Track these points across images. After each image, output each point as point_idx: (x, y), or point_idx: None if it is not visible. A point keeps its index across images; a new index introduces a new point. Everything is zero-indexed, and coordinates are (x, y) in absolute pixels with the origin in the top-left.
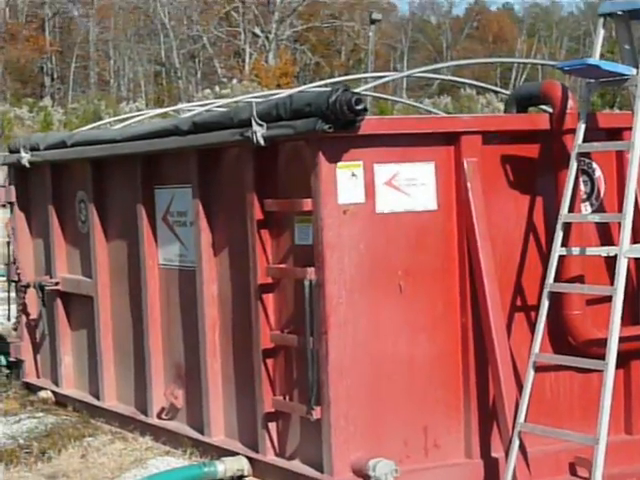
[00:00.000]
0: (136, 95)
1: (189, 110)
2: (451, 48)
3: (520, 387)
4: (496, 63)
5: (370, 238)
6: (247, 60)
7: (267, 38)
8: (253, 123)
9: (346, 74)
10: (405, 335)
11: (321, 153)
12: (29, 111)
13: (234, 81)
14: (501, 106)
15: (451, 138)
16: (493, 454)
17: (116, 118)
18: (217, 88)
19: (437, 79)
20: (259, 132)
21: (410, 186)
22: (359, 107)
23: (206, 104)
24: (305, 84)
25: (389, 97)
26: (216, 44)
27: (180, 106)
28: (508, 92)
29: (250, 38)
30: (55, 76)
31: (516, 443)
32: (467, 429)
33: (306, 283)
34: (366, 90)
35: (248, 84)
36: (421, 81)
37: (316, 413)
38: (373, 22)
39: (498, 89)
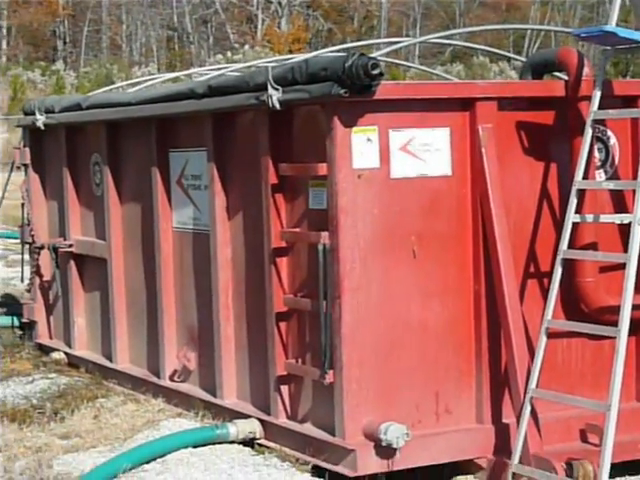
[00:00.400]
0: (148, 60)
1: (201, 75)
2: (464, 16)
3: (532, 353)
4: (510, 30)
5: (384, 203)
6: (259, 26)
7: (280, 4)
8: (269, 87)
9: (358, 40)
10: (418, 300)
11: (336, 117)
12: (41, 75)
13: (246, 47)
14: (514, 74)
15: (466, 104)
16: (504, 420)
17: (128, 82)
18: (229, 54)
19: (451, 45)
20: (275, 96)
21: (425, 151)
22: (375, 72)
23: (219, 69)
24: (317, 50)
25: (403, 62)
26: (228, 9)
27: (192, 70)
28: (523, 59)
29: (263, 4)
30: (67, 40)
31: (527, 409)
32: (478, 395)
33: (320, 247)
34: (380, 56)
35: (260, 50)
36: (433, 48)
37: (329, 377)
38: None
39: (513, 55)
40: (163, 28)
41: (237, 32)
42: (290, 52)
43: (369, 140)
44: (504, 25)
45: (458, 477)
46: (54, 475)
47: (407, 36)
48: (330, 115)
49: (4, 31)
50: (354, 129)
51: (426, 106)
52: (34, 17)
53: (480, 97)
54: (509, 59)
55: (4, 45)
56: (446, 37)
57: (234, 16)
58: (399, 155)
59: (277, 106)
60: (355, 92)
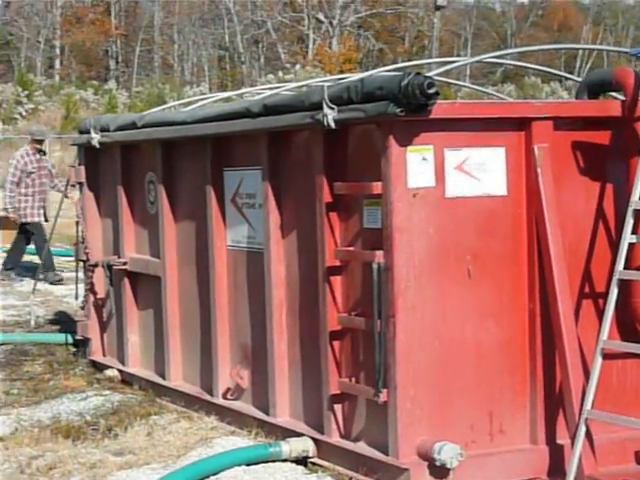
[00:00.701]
0: (200, 79)
1: (253, 94)
2: (515, 36)
3: (587, 374)
4: (562, 50)
5: (439, 222)
6: (310, 46)
7: (331, 24)
8: (324, 106)
9: (409, 60)
10: (473, 320)
11: (392, 136)
12: (94, 94)
13: (297, 67)
14: (566, 95)
15: (522, 123)
16: (558, 441)
17: (180, 102)
18: (280, 73)
19: (504, 65)
20: (330, 115)
21: (480, 171)
22: (431, 91)
23: (271, 88)
24: (368, 70)
25: (457, 82)
26: (280, 29)
27: (244, 90)
28: (577, 78)
29: (314, 24)
30: (120, 59)
31: (582, 430)
32: (533, 415)
33: (374, 266)
34: (433, 76)
35: (311, 70)
36: (484, 69)
37: (383, 396)
38: (438, 8)
39: (567, 75)
40: (215, 48)
41: (288, 52)
42: (341, 72)
43: (424, 159)
44: (557, 45)
45: None
46: None
47: (458, 56)
48: (386, 134)
49: (57, 50)
50: (409, 148)
51: (482, 125)
52: (87, 37)
53: (536, 117)
54: (561, 80)
55: (57, 64)
56: (499, 57)
57: (285, 36)
58: (454, 174)
59: (332, 125)
60: (411, 111)
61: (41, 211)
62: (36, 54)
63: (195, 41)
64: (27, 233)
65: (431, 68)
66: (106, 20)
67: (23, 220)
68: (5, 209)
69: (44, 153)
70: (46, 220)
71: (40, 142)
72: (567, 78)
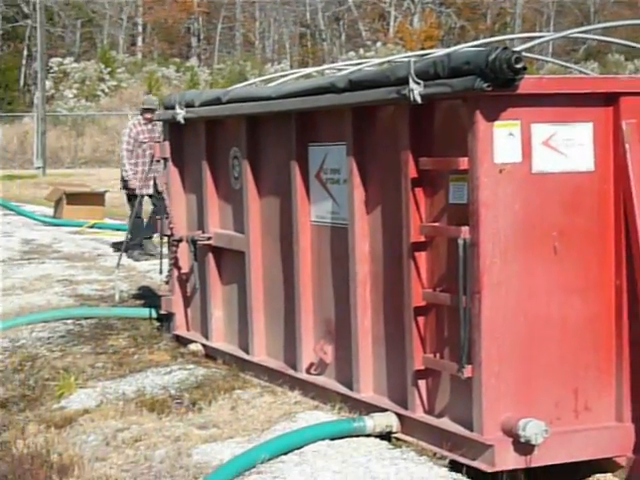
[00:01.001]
0: (281, 57)
1: (336, 71)
2: (599, 13)
3: None
4: None
5: (525, 198)
6: (392, 23)
7: (412, 1)
8: (410, 81)
9: (491, 37)
10: (558, 296)
11: (478, 112)
12: (176, 71)
13: (378, 44)
14: None
15: (610, 99)
16: None
17: (261, 78)
18: (361, 51)
19: (589, 39)
20: (416, 90)
21: (567, 146)
22: (519, 65)
23: (352, 64)
24: (449, 48)
25: (542, 57)
26: (361, 6)
27: (325, 67)
28: None
29: (395, 1)
30: (201, 37)
31: None
32: (618, 392)
33: (460, 242)
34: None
35: (392, 47)
36: (567, 46)
37: (467, 372)
38: None
39: None
40: (296, 25)
41: (369, 29)
42: (422, 49)
43: (511, 134)
44: None
45: (596, 475)
46: (193, 464)
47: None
48: (472, 109)
49: (140, 28)
50: (496, 123)
51: (569, 101)
52: (169, 14)
53: (624, 92)
54: None
55: (140, 42)
56: (583, 33)
57: (366, 13)
58: (541, 150)
59: (419, 100)
60: (498, 86)
61: (150, 182)
62: (119, 31)
63: (276, 18)
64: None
65: (514, 45)
66: None
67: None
68: (124, 180)
69: (154, 123)
70: (158, 192)
71: (152, 112)
72: None
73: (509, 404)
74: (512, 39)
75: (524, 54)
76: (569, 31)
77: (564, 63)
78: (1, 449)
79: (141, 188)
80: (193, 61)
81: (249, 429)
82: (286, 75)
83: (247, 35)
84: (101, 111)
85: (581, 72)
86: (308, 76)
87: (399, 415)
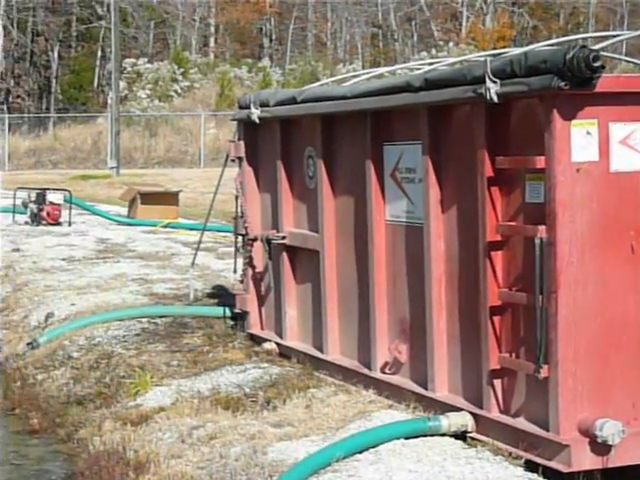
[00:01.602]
0: (353, 57)
1: (408, 71)
2: None
3: None
4: None
5: (603, 197)
6: (464, 23)
7: (485, 1)
8: (487, 80)
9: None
10: (635, 296)
11: (555, 110)
12: (248, 71)
13: (450, 44)
14: None
15: None
16: None
17: (333, 78)
18: (433, 51)
19: None
20: (493, 89)
21: None
22: (596, 64)
23: (424, 64)
24: (522, 48)
25: (618, 56)
26: (433, 6)
27: (397, 67)
28: None
29: (467, 1)
30: (274, 37)
31: None
32: None
33: (536, 241)
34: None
35: (465, 47)
36: None
37: (544, 371)
38: None
39: None
40: (368, 25)
41: (441, 29)
42: (494, 49)
43: (588, 133)
44: None
45: None
46: (269, 462)
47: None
48: (549, 108)
49: (212, 29)
50: (573, 122)
51: None
52: (241, 15)
53: None
54: None
55: (212, 42)
56: None
57: (438, 13)
58: (619, 149)
59: (495, 99)
60: (575, 85)
61: None
62: (191, 32)
63: (348, 19)
64: None
65: (588, 44)
66: None
67: None
68: None
69: None
70: None
71: None
72: None
73: (586, 404)
74: (586, 38)
75: (603, 53)
76: None
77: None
78: (78, 446)
79: None
80: (265, 62)
81: (324, 427)
82: (358, 75)
83: (319, 35)
84: (174, 111)
85: None
86: (380, 76)
87: (474, 415)
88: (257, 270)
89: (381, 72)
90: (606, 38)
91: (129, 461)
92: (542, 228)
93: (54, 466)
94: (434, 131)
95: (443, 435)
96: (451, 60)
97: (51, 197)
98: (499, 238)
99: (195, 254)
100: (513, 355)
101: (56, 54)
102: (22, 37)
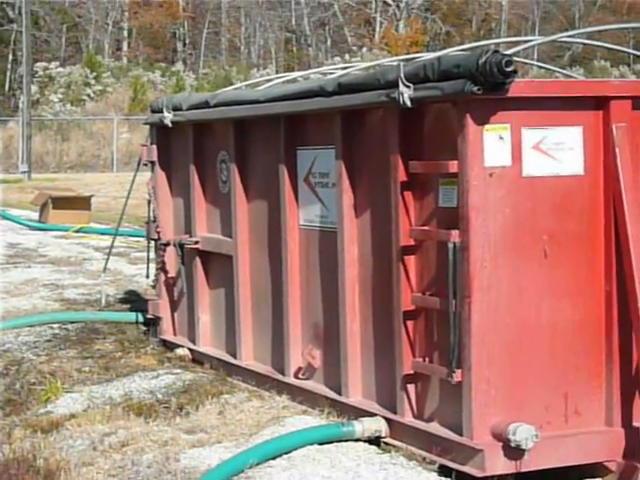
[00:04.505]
0: (266, 62)
1: (322, 75)
2: (583, 19)
3: None
4: (630, 29)
5: (516, 202)
6: (377, 29)
7: (398, 7)
8: (400, 84)
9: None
10: (548, 301)
11: (468, 115)
12: (161, 75)
13: (364, 49)
14: (635, 78)
15: (600, 102)
16: (635, 423)
17: (246, 83)
18: (347, 56)
19: (577, 43)
20: (406, 93)
21: (557, 150)
22: (509, 69)
23: (337, 69)
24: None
25: (529, 62)
26: (347, 12)
27: (310, 71)
28: None
29: (381, 6)
30: (187, 41)
31: None
32: (608, 397)
33: (450, 246)
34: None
35: (378, 53)
36: (552, 52)
37: (457, 376)
38: None
39: None
40: (282, 30)
41: (355, 35)
42: (407, 55)
43: (501, 138)
44: (628, 24)
45: None
46: (181, 469)
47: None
48: (462, 112)
49: (125, 33)
50: (486, 127)
51: (559, 104)
52: (154, 19)
53: (614, 96)
54: (629, 64)
55: (125, 46)
56: (570, 37)
57: (352, 19)
58: (531, 153)
59: (408, 103)
60: (488, 89)
61: None
62: (104, 36)
63: (262, 23)
64: None
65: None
66: (174, 2)
67: None
68: None
69: None
70: None
71: None
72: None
73: (499, 408)
74: (498, 43)
75: (515, 59)
76: (557, 35)
77: (552, 67)
78: None
79: None
80: (179, 66)
81: (237, 434)
82: (272, 80)
83: (233, 40)
84: (86, 116)
85: (569, 76)
86: (294, 81)
87: (388, 420)
88: (170, 275)
89: (294, 77)
90: (518, 43)
91: (39, 469)
92: (455, 232)
93: None
94: (347, 136)
95: (357, 440)
96: (364, 65)
97: None
98: (412, 242)
99: (107, 259)
100: (427, 360)
101: None
102: None
